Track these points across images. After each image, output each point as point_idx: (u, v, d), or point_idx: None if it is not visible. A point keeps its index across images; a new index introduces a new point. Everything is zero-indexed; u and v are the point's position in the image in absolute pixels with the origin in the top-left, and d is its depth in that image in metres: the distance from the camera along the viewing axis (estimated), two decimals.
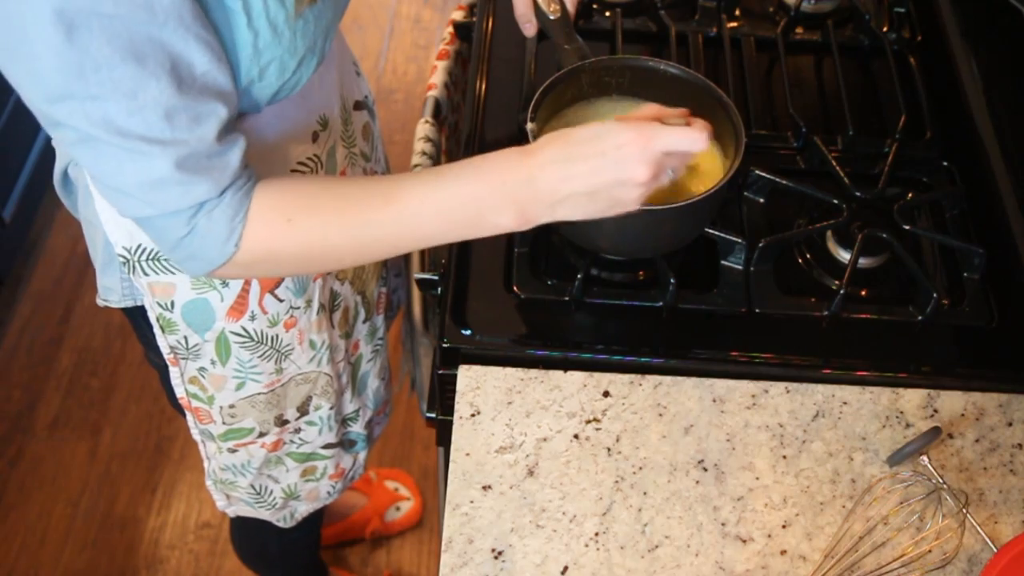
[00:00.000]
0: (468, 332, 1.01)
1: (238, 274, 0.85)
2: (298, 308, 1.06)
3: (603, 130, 0.79)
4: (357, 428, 1.31)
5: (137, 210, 0.78)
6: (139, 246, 0.95)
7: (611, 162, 0.78)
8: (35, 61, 0.69)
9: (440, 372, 1.02)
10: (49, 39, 0.67)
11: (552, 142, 0.80)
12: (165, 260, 0.96)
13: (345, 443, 1.31)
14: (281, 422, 1.17)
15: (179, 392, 1.11)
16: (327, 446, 1.26)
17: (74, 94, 0.70)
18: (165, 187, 0.76)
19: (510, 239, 1.08)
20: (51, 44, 0.67)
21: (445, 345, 1.01)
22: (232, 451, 1.19)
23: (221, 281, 0.99)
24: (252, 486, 1.26)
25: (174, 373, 1.09)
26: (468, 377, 1.00)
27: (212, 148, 0.76)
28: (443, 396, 1.04)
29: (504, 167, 0.80)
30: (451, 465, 0.94)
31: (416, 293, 1.22)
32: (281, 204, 0.81)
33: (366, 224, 0.82)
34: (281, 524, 1.37)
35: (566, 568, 0.89)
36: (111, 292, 1.05)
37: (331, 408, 1.20)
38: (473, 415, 0.97)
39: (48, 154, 2.24)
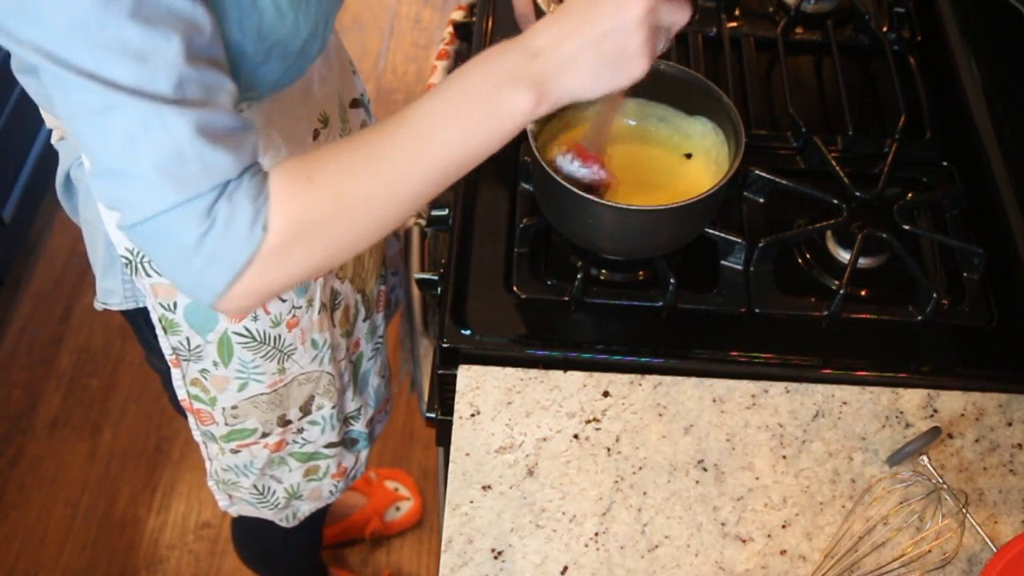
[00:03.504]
0: (468, 332, 1.01)
1: (270, 272, 0.75)
2: (300, 307, 1.06)
3: None
4: (359, 427, 1.31)
5: (149, 203, 0.70)
6: None
7: (605, 5, 0.76)
8: (45, 23, 0.66)
9: (440, 372, 1.02)
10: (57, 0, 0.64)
11: (545, 19, 0.79)
12: None
13: (347, 442, 1.31)
14: (284, 422, 1.17)
15: (180, 394, 1.11)
16: (329, 445, 1.26)
17: (81, 57, 0.66)
18: (183, 163, 0.69)
19: (510, 239, 1.08)
20: (59, 4, 0.64)
21: (445, 345, 1.01)
22: (235, 452, 1.19)
23: None
24: (255, 486, 1.26)
25: (176, 375, 1.09)
26: (468, 377, 1.00)
27: (230, 115, 0.72)
28: (443, 396, 1.04)
29: (502, 49, 0.78)
30: (451, 465, 0.94)
31: (416, 293, 1.22)
32: (298, 167, 0.75)
33: (388, 156, 0.76)
34: (284, 524, 1.37)
35: (566, 568, 0.89)
36: (111, 295, 1.05)
37: (333, 407, 1.20)
38: (473, 415, 0.97)
39: (48, 154, 2.24)
